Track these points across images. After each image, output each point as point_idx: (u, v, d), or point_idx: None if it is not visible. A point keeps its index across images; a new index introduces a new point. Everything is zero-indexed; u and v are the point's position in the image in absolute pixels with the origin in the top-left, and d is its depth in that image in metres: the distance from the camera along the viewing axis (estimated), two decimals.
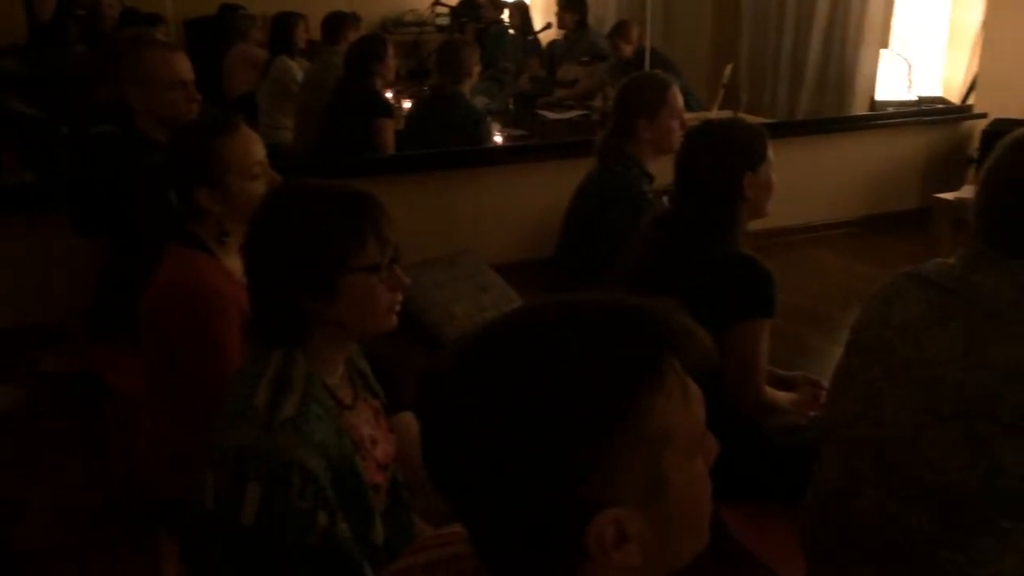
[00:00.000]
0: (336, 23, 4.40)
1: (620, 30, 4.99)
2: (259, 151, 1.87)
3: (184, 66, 2.45)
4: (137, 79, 2.41)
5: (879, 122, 4.78)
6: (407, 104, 4.57)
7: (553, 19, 5.75)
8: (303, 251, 1.30)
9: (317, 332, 1.34)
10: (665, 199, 2.99)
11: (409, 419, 1.85)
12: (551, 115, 5.01)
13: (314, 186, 1.37)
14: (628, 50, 4.88)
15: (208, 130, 1.83)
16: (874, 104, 4.96)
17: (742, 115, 4.24)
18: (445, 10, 6.09)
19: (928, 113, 4.82)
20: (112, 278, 2.47)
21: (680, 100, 2.62)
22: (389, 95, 4.16)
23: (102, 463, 2.43)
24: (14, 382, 2.78)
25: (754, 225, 2.03)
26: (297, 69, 4.56)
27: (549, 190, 3.53)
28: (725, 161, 1.94)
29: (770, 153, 1.98)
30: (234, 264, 1.91)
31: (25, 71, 4.59)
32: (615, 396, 0.69)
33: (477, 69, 3.93)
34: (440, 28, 6.16)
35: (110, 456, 2.42)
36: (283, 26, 4.70)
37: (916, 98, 4.90)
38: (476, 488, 0.72)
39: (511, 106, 5.17)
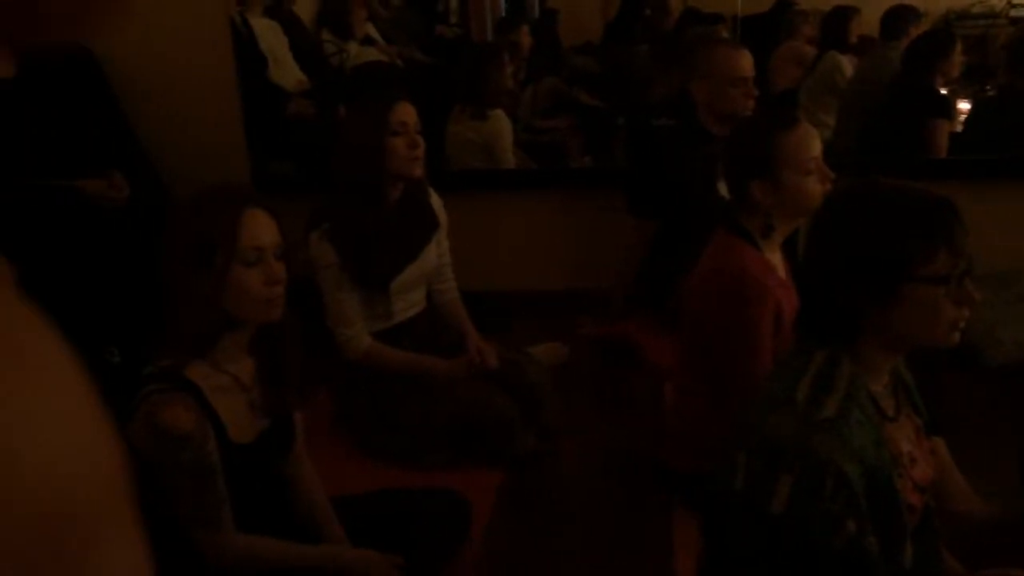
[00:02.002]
0: (897, 17, 4.16)
1: None
2: (816, 147, 1.86)
3: (747, 63, 2.54)
4: (703, 74, 2.56)
5: None
6: (963, 104, 4.16)
7: None
8: (867, 253, 1.27)
9: (868, 337, 1.30)
10: None
11: (940, 445, 1.71)
12: None
13: (886, 187, 1.32)
14: None
15: (769, 124, 1.87)
16: None
17: None
18: None
19: None
20: (659, 258, 2.68)
21: None
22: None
23: (629, 427, 2.66)
24: (559, 340, 3.15)
25: None
26: (847, 65, 4.42)
27: None
28: None
29: None
30: (775, 257, 1.94)
31: (594, 67, 5.16)
32: None
33: None
34: (1014, 20, 5.46)
35: (636, 424, 2.62)
36: (837, 21, 4.58)
37: None
38: None
39: None
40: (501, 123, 3.56)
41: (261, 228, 1.49)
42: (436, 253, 2.41)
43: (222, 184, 1.60)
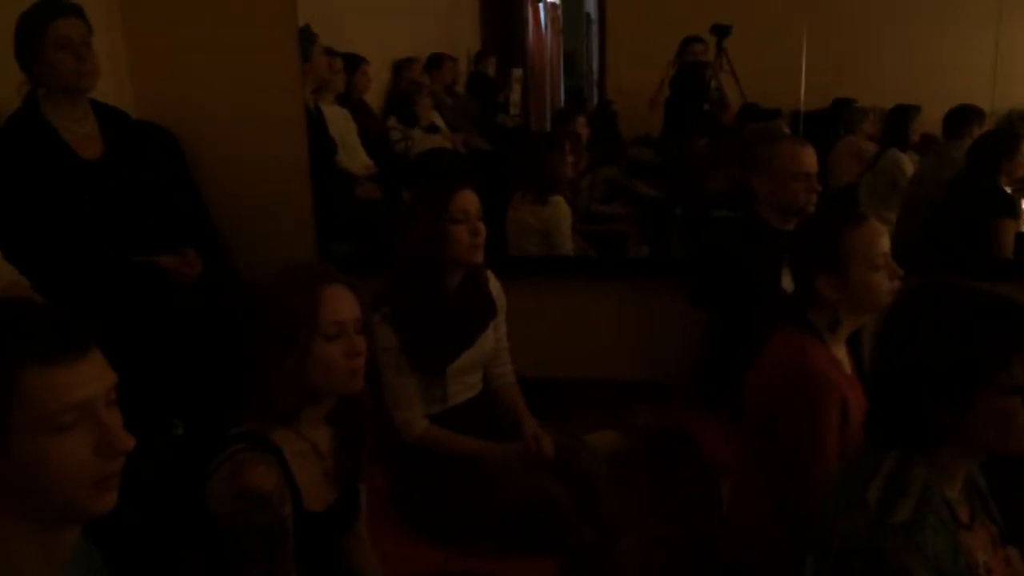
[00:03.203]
0: (960, 117, 4.16)
1: None
2: (884, 243, 1.86)
3: (811, 159, 2.55)
4: (767, 169, 2.58)
5: None
6: None
7: None
8: (940, 358, 1.24)
9: (942, 442, 1.27)
10: None
11: (1015, 555, 1.64)
12: None
13: (958, 290, 1.30)
14: None
15: (838, 220, 1.88)
16: None
17: None
18: None
19: None
20: (717, 349, 2.65)
21: None
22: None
23: (683, 520, 2.59)
24: (614, 429, 3.11)
25: None
26: (908, 163, 4.42)
27: None
28: None
29: None
30: (841, 353, 1.92)
31: (652, 159, 5.23)
32: None
33: None
34: None
35: (692, 514, 2.56)
36: (899, 119, 4.59)
37: None
38: None
39: None
40: (561, 208, 3.62)
41: (341, 303, 1.53)
42: (493, 338, 2.41)
43: (302, 263, 1.66)
